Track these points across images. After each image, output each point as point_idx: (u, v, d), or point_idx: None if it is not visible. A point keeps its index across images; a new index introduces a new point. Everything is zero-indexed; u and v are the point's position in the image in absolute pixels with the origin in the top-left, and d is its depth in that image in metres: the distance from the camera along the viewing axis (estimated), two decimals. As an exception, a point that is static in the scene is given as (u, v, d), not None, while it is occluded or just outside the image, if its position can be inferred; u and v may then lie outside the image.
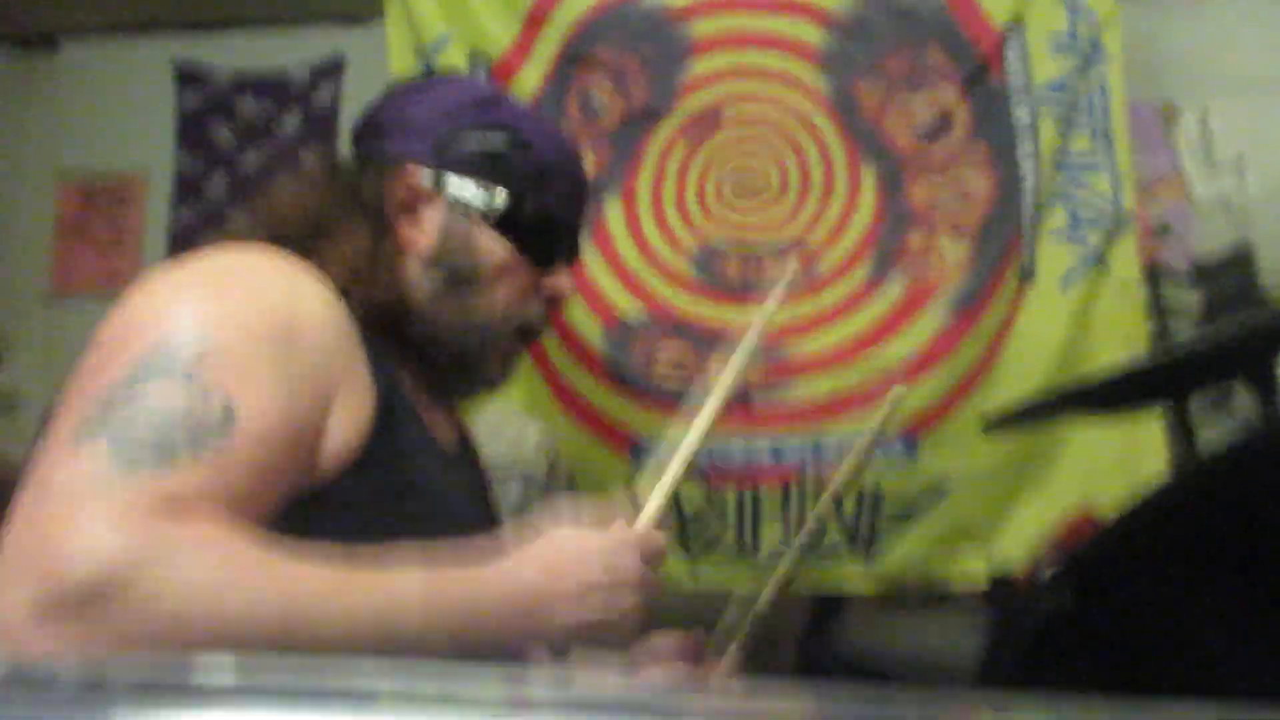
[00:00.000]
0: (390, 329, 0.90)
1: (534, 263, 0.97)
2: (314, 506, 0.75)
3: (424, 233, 0.93)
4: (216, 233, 0.92)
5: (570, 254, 1.03)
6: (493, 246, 0.94)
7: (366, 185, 0.93)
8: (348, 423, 0.77)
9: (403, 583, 0.69)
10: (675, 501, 2.09)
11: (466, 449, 1.04)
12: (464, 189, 0.93)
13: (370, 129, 0.99)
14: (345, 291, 0.87)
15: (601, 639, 0.78)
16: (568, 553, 0.78)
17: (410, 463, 0.83)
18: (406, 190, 0.93)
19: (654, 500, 0.92)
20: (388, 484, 0.80)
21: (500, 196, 0.93)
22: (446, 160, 0.93)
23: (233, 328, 0.72)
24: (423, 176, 0.93)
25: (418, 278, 0.92)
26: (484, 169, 0.94)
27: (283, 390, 0.72)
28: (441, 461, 0.92)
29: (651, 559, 0.83)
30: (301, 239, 0.89)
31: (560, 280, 1.00)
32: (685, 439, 0.98)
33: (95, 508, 0.60)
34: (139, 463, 0.62)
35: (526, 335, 1.01)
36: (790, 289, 1.19)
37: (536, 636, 0.75)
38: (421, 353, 0.93)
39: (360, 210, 0.92)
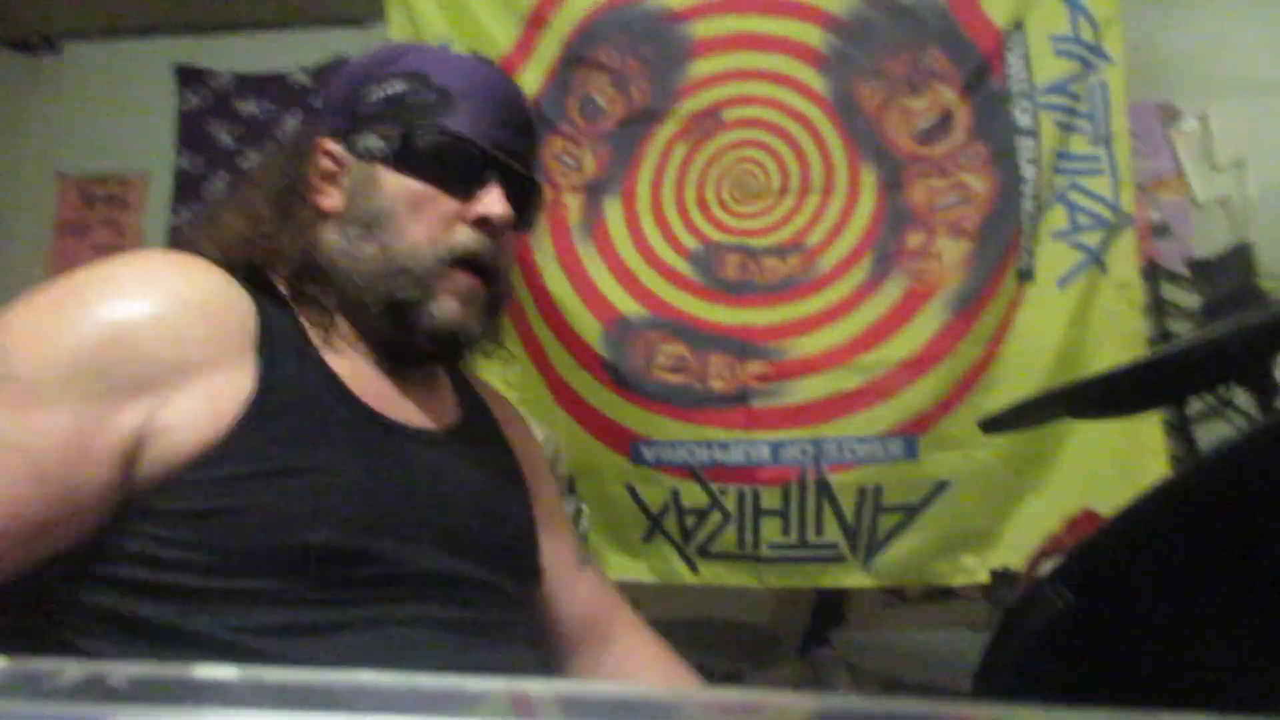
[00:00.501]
0: (320, 294, 0.92)
1: (452, 192, 0.93)
2: (159, 499, 0.76)
3: (337, 194, 0.95)
4: (188, 239, 0.96)
5: (508, 179, 0.96)
6: (396, 182, 0.93)
7: (283, 171, 0.97)
8: (193, 417, 0.78)
9: None
10: (676, 503, 2.09)
11: (473, 430, 1.02)
12: (367, 140, 0.94)
13: (311, 118, 1.06)
14: (272, 274, 0.91)
15: None
16: None
17: (299, 445, 0.82)
18: (323, 163, 0.95)
19: None
20: (251, 468, 0.78)
21: (397, 134, 0.93)
22: (354, 124, 0.95)
23: (38, 349, 0.77)
24: (336, 144, 0.95)
25: (335, 238, 0.93)
26: (383, 116, 0.94)
27: (74, 408, 0.75)
28: (382, 439, 0.89)
29: None
30: (235, 237, 0.93)
31: (487, 201, 0.94)
32: None
33: None
34: None
35: (475, 267, 0.95)
36: None
37: None
38: (357, 310, 0.92)
39: (284, 192, 0.95)
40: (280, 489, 0.79)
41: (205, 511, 0.77)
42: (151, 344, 0.79)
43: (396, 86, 0.95)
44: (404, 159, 0.93)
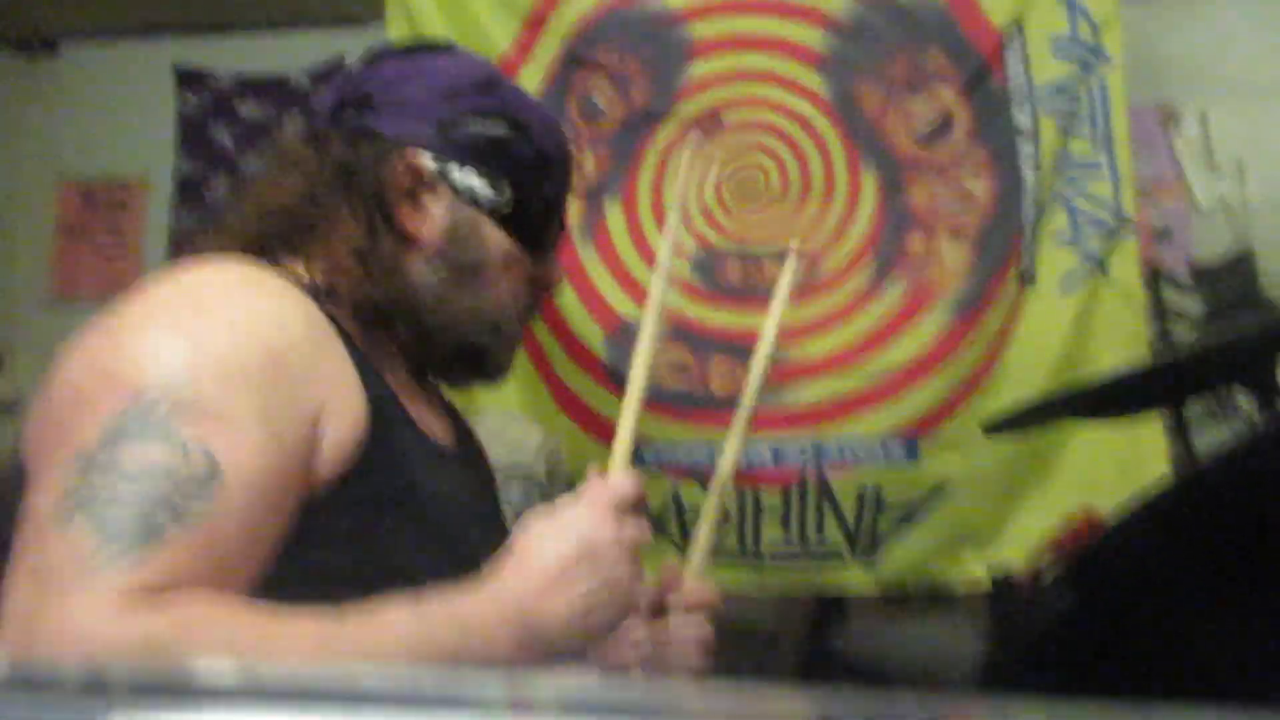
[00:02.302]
0: (388, 324, 0.88)
1: (532, 253, 0.95)
2: (308, 520, 0.73)
3: (429, 224, 0.88)
4: (202, 236, 0.89)
5: (558, 237, 1.00)
6: (498, 239, 0.91)
7: (363, 167, 0.87)
8: (338, 437, 0.75)
9: (391, 630, 0.67)
10: (676, 503, 2.09)
11: (466, 447, 1.02)
12: (469, 178, 0.89)
13: (357, 103, 0.91)
14: (333, 289, 0.84)
15: (604, 613, 0.76)
16: (539, 545, 0.76)
17: (405, 465, 0.81)
18: (409, 176, 0.88)
19: (619, 445, 0.89)
20: (383, 489, 0.78)
21: (505, 189, 0.90)
22: (449, 146, 0.89)
23: (209, 370, 0.70)
24: (426, 162, 0.88)
25: (421, 272, 0.88)
26: (487, 158, 0.90)
27: (265, 431, 0.70)
28: (438, 460, 0.90)
29: (627, 508, 0.80)
30: (289, 233, 0.86)
31: (553, 270, 0.98)
32: (635, 372, 0.95)
33: (81, 599, 0.59)
34: (122, 545, 0.61)
35: (521, 322, 0.98)
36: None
37: (542, 641, 0.73)
38: (427, 347, 0.91)
39: (356, 197, 0.87)
40: (399, 513, 0.79)
41: (336, 533, 0.75)
42: (301, 360, 0.76)
43: (499, 129, 0.91)
44: (508, 216, 0.91)
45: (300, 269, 0.86)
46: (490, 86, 0.94)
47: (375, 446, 0.78)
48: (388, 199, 0.87)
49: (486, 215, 0.90)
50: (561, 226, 0.99)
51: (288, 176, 0.90)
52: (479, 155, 0.89)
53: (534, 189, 0.92)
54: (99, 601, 0.59)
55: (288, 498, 0.72)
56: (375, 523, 0.77)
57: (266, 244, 0.86)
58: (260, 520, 0.69)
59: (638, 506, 0.82)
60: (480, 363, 0.95)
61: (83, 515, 0.62)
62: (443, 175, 0.89)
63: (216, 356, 0.71)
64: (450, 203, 0.89)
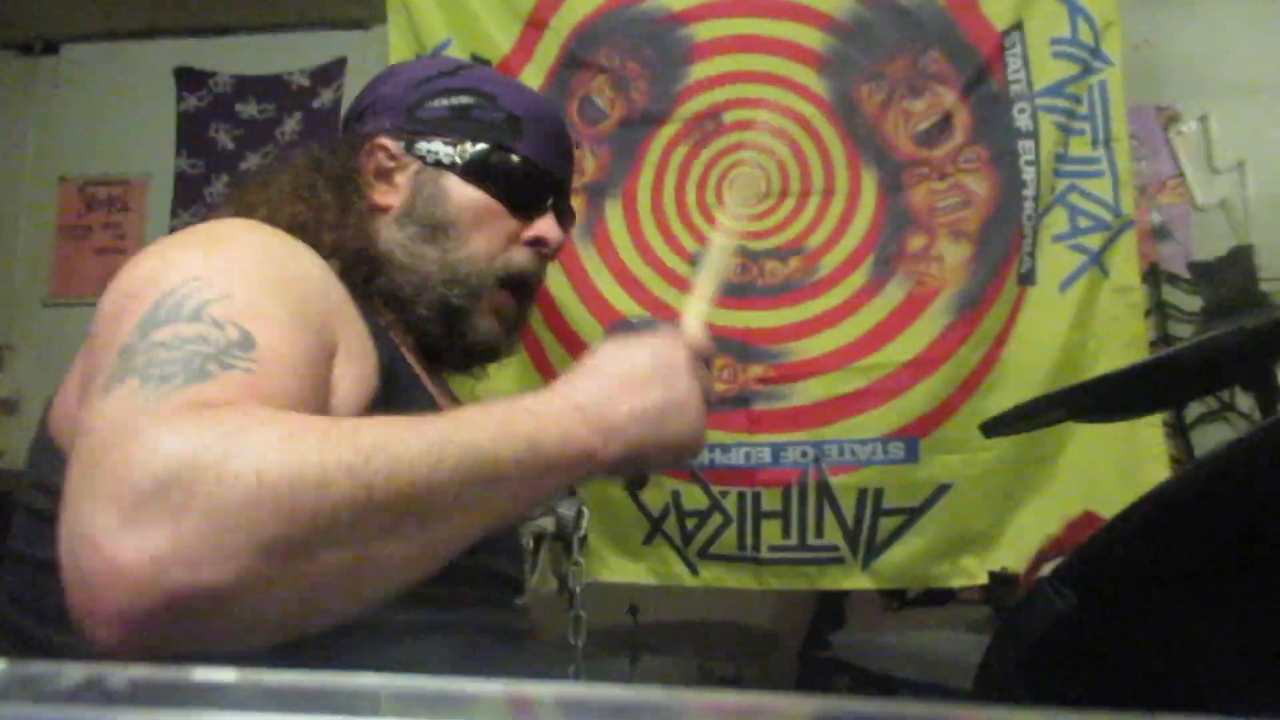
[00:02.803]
0: (373, 291, 0.90)
1: (514, 211, 0.97)
2: None
3: (396, 193, 0.95)
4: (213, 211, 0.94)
5: (557, 205, 1.02)
6: (464, 192, 0.95)
7: (341, 163, 0.96)
8: (351, 381, 0.75)
9: (474, 430, 0.65)
10: (676, 504, 2.09)
11: None
12: (432, 144, 0.95)
13: (351, 117, 1.02)
14: (329, 255, 0.86)
15: (672, 430, 0.77)
16: (615, 355, 0.79)
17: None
18: (381, 156, 0.96)
19: (695, 305, 0.91)
20: None
21: (466, 146, 0.95)
22: (414, 126, 0.96)
23: (233, 275, 0.69)
24: (390, 143, 0.96)
25: (393, 234, 0.93)
26: (451, 127, 0.96)
27: (293, 326, 0.69)
28: None
29: (700, 352, 0.84)
30: (279, 217, 0.89)
31: (544, 225, 1.00)
32: (716, 248, 0.96)
33: (147, 420, 0.56)
34: (171, 380, 0.59)
35: (517, 286, 0.99)
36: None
37: (612, 437, 0.73)
38: (409, 308, 0.93)
39: (334, 185, 0.94)
40: None
41: None
42: (321, 293, 0.76)
43: (463, 99, 0.97)
44: (474, 171, 0.95)
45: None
46: (455, 70, 1.01)
47: (387, 401, 0.77)
48: (361, 183, 0.95)
49: (451, 173, 0.95)
50: (555, 190, 1.01)
51: (277, 174, 0.96)
52: (442, 125, 0.96)
53: (506, 147, 0.96)
54: (164, 416, 0.57)
55: (315, 397, 0.70)
56: None
57: (297, 231, 0.87)
58: (296, 396, 0.67)
59: (709, 361, 0.85)
60: (460, 326, 0.96)
61: (130, 377, 0.60)
62: (408, 150, 0.96)
63: (241, 267, 0.71)
64: (416, 170, 0.96)
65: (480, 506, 0.64)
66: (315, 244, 0.86)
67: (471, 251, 0.95)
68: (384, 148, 0.96)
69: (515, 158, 0.97)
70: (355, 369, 0.76)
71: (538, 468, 0.68)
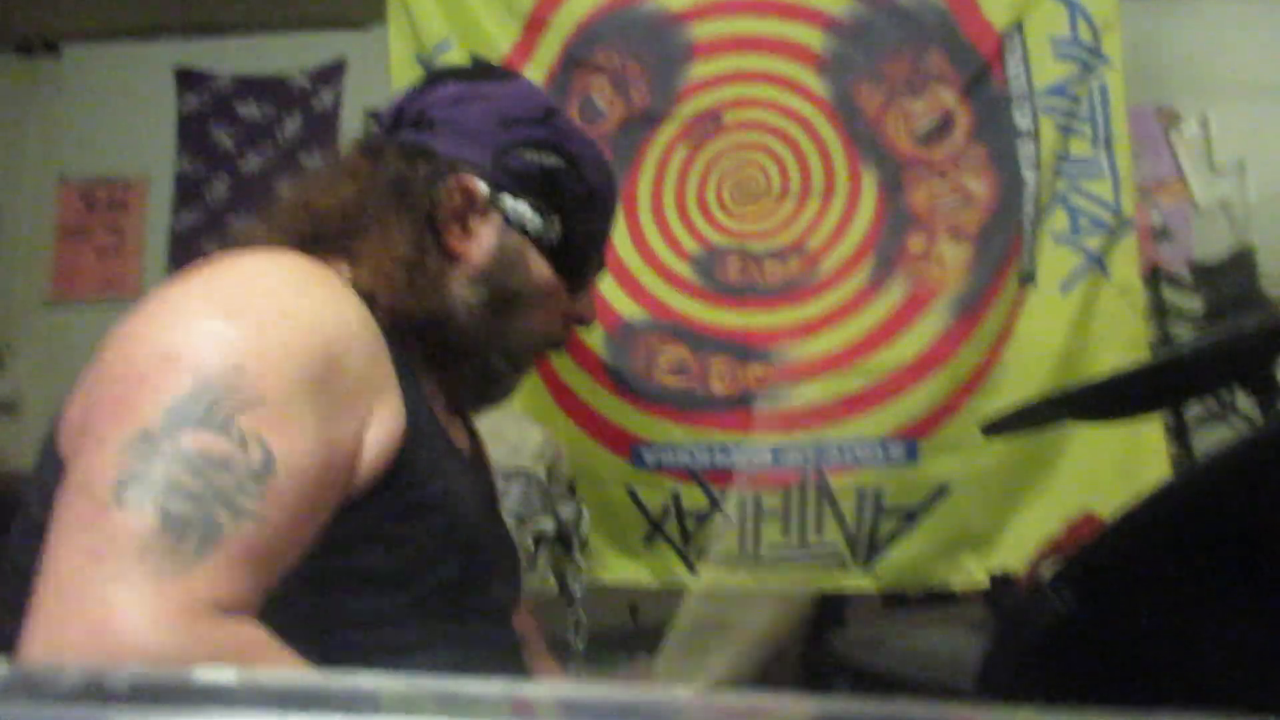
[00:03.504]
0: (421, 338, 0.88)
1: (570, 287, 0.97)
2: (344, 520, 0.73)
3: (476, 246, 0.90)
4: (250, 228, 0.89)
5: (597, 273, 1.02)
6: (541, 269, 0.93)
7: (417, 183, 0.88)
8: (380, 438, 0.75)
9: None
10: (676, 504, 2.09)
11: (478, 453, 1.04)
12: (519, 207, 0.91)
13: (415, 120, 0.93)
14: (374, 294, 0.84)
15: None
16: None
17: (435, 475, 0.81)
18: (462, 197, 0.89)
19: None
20: (416, 495, 0.78)
21: (554, 222, 0.92)
22: (503, 174, 0.90)
23: (270, 361, 0.69)
24: (479, 187, 0.89)
25: (461, 291, 0.89)
26: (539, 190, 0.91)
27: (318, 429, 0.70)
28: (460, 466, 0.91)
29: None
30: (337, 235, 0.86)
31: (589, 308, 1.01)
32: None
33: (148, 601, 0.58)
34: (185, 540, 0.61)
35: (545, 354, 1.01)
36: None
37: None
38: (451, 364, 0.91)
39: (407, 211, 0.88)
40: (429, 521, 0.79)
41: (368, 539, 0.75)
42: (358, 359, 0.75)
43: (551, 160, 0.92)
44: (553, 248, 0.93)
45: (346, 270, 0.85)
46: (547, 118, 0.95)
47: (412, 452, 0.78)
48: (438, 216, 0.89)
49: (533, 245, 0.92)
50: (602, 264, 1.01)
51: (342, 182, 0.90)
52: (531, 185, 0.91)
53: (580, 223, 0.94)
54: (162, 602, 0.59)
55: (332, 497, 0.71)
56: (409, 526, 0.78)
57: (314, 244, 0.85)
58: (305, 518, 0.68)
59: None
60: (490, 388, 0.96)
61: (148, 501, 0.61)
62: (494, 201, 0.90)
63: (277, 347, 0.70)
64: (499, 228, 0.91)
65: None
66: (362, 272, 0.84)
67: (529, 327, 0.93)
68: (471, 188, 0.89)
69: (587, 239, 0.96)
70: (384, 426, 0.76)
71: None
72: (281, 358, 0.70)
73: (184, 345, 0.69)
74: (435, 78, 0.97)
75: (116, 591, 0.59)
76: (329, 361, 0.72)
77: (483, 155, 0.90)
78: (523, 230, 0.91)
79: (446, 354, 0.90)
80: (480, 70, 1.03)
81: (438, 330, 0.88)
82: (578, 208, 0.94)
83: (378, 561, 0.76)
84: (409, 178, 0.89)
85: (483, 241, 0.90)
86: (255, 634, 0.63)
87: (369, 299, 0.83)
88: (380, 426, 0.76)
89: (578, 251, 0.95)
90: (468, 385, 0.95)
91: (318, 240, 0.85)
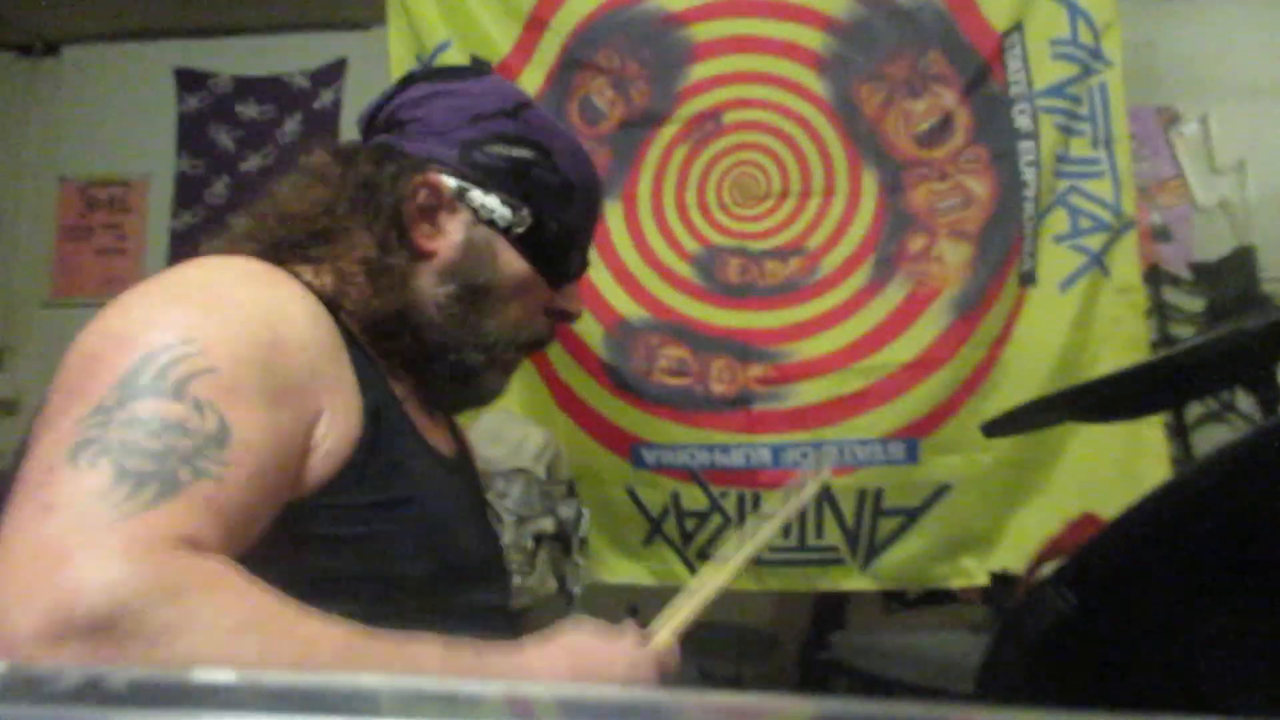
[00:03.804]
0: (391, 337, 0.87)
1: (548, 280, 0.95)
2: (300, 521, 0.72)
3: (443, 242, 0.89)
4: (216, 233, 0.89)
5: (581, 269, 1.01)
6: (512, 263, 0.91)
7: (384, 183, 0.88)
8: (334, 437, 0.75)
9: (419, 661, 0.67)
10: (676, 505, 2.09)
11: (464, 458, 1.03)
12: (488, 201, 0.90)
13: (386, 122, 0.94)
14: (341, 295, 0.84)
15: None
16: (589, 660, 0.77)
17: (402, 473, 0.81)
18: (428, 194, 0.89)
19: (672, 620, 0.91)
20: (378, 495, 0.77)
21: (525, 215, 0.91)
22: (471, 169, 0.90)
23: (218, 344, 0.69)
24: (446, 182, 0.89)
25: (429, 288, 0.89)
26: (509, 183, 0.90)
27: (268, 407, 0.69)
28: (438, 469, 0.90)
29: (665, 675, 0.83)
30: (303, 239, 0.86)
31: (572, 301, 0.99)
32: (708, 580, 0.96)
33: (105, 537, 0.57)
34: (143, 488, 0.60)
35: (530, 350, 0.99)
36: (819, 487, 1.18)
37: None
38: (424, 363, 0.91)
39: (373, 211, 0.88)
40: (394, 520, 0.78)
41: (326, 538, 0.74)
42: (306, 355, 0.75)
43: (523, 152, 0.91)
44: (524, 241, 0.91)
45: (310, 276, 0.85)
46: (517, 111, 0.94)
47: (372, 453, 0.77)
48: (404, 214, 0.88)
49: (503, 237, 0.91)
50: (584, 258, 0.99)
51: (308, 186, 0.90)
52: (500, 178, 0.90)
53: (555, 215, 0.93)
54: (122, 541, 0.58)
55: (283, 481, 0.71)
56: (372, 526, 0.77)
57: (279, 248, 0.85)
58: (262, 493, 0.68)
59: (670, 679, 0.85)
60: (470, 385, 0.94)
61: (101, 457, 0.60)
62: (461, 195, 0.90)
63: (227, 333, 0.70)
64: (467, 222, 0.90)
65: None
66: (328, 275, 0.84)
67: (503, 320, 0.92)
68: (437, 184, 0.89)
69: (563, 231, 0.94)
70: (338, 425, 0.75)
71: None
72: (230, 336, 0.70)
73: (133, 326, 0.69)
74: (406, 80, 0.97)
75: (71, 535, 0.57)
76: (275, 348, 0.72)
77: (450, 151, 0.90)
78: (492, 224, 0.90)
79: (419, 353, 0.90)
80: (450, 71, 1.02)
81: (407, 328, 0.88)
82: (551, 200, 0.93)
83: (343, 563, 0.75)
84: (376, 178, 0.89)
85: (450, 237, 0.89)
86: (220, 566, 0.62)
87: (336, 301, 0.83)
88: (333, 423, 0.75)
89: (555, 244, 0.94)
90: (445, 384, 0.93)
91: (283, 246, 0.85)
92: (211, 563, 0.61)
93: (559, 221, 0.93)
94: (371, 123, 0.95)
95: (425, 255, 0.89)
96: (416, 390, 0.92)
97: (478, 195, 0.90)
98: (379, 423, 0.79)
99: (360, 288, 0.85)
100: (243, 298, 0.75)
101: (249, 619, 0.60)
